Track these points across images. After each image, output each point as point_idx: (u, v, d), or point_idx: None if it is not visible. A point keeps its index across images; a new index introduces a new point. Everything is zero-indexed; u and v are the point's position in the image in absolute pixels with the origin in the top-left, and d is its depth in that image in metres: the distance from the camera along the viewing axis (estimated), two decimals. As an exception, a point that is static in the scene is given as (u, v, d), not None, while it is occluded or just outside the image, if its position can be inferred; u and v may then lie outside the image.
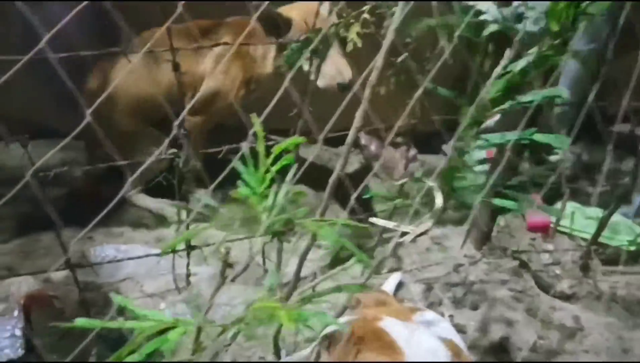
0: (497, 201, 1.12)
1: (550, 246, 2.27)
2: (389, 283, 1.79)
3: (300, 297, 0.80)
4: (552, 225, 2.36)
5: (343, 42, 1.80)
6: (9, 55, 0.93)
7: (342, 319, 1.04)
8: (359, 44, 1.17)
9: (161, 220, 2.11)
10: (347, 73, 2.02)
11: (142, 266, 1.82)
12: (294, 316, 0.65)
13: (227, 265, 0.75)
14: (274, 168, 0.79)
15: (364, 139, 2.67)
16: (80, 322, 0.68)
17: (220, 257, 0.74)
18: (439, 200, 1.04)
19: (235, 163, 0.81)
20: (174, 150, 1.47)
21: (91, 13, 2.15)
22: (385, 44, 0.95)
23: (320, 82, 1.89)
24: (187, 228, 1.65)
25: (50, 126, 2.21)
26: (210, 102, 2.05)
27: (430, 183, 1.07)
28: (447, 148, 2.58)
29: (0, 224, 1.91)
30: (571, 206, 2.42)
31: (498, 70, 1.04)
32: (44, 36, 0.87)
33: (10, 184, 2.17)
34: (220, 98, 2.07)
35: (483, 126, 3.00)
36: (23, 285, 1.70)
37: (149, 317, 0.71)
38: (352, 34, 1.17)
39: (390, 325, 0.89)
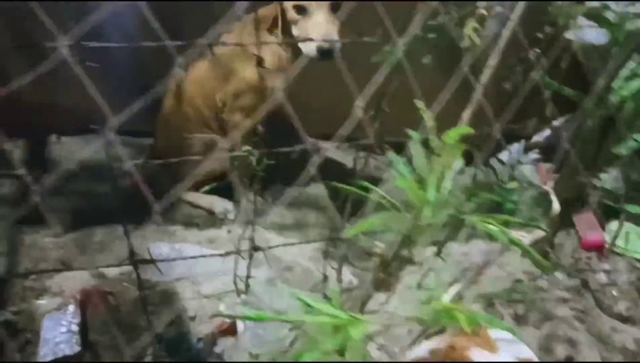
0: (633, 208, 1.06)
1: (606, 266, 2.20)
2: (450, 294, 1.73)
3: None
4: (606, 245, 2.29)
5: (334, 6, 1.71)
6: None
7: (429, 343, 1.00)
8: (477, 41, 1.12)
9: (212, 221, 2.08)
10: (329, 34, 1.70)
11: (195, 266, 1.78)
12: (471, 319, 0.60)
13: (385, 263, 0.70)
14: (445, 160, 0.74)
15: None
16: (264, 315, 0.64)
17: (375, 256, 0.70)
18: (555, 205, 0.99)
19: (391, 154, 0.76)
20: (248, 147, 1.44)
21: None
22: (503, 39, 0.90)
23: (303, 48, 1.76)
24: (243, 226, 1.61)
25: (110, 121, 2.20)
26: (239, 97, 1.99)
27: (547, 187, 1.02)
28: (508, 158, 2.52)
29: (54, 217, 1.88)
30: (626, 226, 2.35)
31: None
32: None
33: (64, 177, 2.14)
34: (247, 91, 1.98)
35: (533, 140, 2.94)
36: (78, 280, 1.67)
37: (324, 311, 0.67)
38: (468, 30, 1.13)
39: (478, 357, 0.85)
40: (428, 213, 0.75)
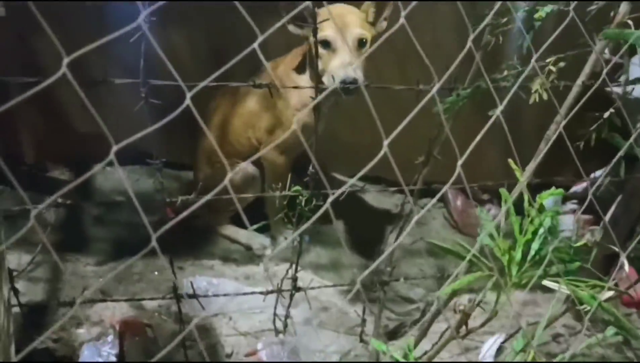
0: None
1: (647, 323, 2.15)
2: (489, 346, 1.71)
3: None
4: (647, 300, 2.24)
5: (361, 42, 1.72)
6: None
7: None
8: (544, 97, 1.13)
9: (250, 256, 2.08)
10: (352, 70, 1.68)
11: (232, 302, 1.78)
12: None
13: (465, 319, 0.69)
14: (539, 221, 0.74)
15: (450, 194, 2.62)
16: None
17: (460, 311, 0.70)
18: (626, 267, 0.97)
19: (481, 212, 0.77)
20: (298, 187, 1.45)
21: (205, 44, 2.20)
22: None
23: (325, 79, 1.76)
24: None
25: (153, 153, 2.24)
26: (273, 133, 2.01)
27: (617, 249, 1.01)
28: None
29: (96, 247, 1.91)
30: (668, 281, 2.29)
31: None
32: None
33: (107, 206, 2.18)
34: (279, 128, 1.98)
35: (571, 191, 2.91)
36: (117, 311, 1.68)
37: None
38: (536, 86, 1.13)
39: None
40: (514, 273, 0.75)
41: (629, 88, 2.17)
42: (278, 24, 0.69)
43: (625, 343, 1.92)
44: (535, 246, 0.76)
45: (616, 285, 2.24)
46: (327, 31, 1.72)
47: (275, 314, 1.62)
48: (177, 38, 2.17)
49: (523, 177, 1.03)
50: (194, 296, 1.67)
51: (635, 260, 2.34)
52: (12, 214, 2.06)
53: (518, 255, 0.75)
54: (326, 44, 1.74)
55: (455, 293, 1.02)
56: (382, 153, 0.64)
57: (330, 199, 0.68)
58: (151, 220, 2.02)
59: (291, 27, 1.76)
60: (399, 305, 2.05)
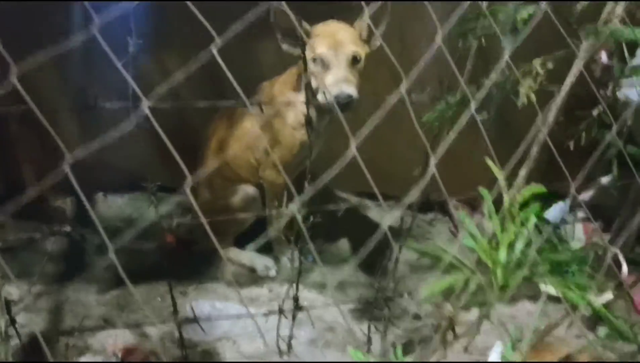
0: None
1: (662, 331, 2.09)
2: (495, 355, 1.66)
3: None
4: (662, 308, 2.19)
5: (354, 60, 1.72)
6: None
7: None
8: (533, 99, 1.12)
9: (254, 279, 2.06)
10: (348, 87, 1.71)
11: (237, 326, 1.76)
12: None
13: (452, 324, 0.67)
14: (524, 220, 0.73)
15: (453, 207, 2.59)
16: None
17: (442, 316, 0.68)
18: (624, 268, 0.95)
19: (459, 213, 0.75)
20: (293, 205, 1.43)
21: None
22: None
23: (320, 97, 1.77)
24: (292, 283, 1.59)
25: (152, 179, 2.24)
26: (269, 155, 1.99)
27: (614, 249, 0.99)
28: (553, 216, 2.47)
29: (97, 274, 1.90)
30: (681, 287, 2.24)
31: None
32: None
33: (108, 234, 2.17)
34: (277, 148, 1.97)
35: (579, 199, 2.88)
36: (119, 338, 1.66)
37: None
38: (525, 88, 1.12)
39: None
40: (500, 275, 0.72)
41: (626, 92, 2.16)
42: (237, 26, 0.69)
43: None
44: (519, 246, 0.74)
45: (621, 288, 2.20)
46: (321, 49, 1.72)
47: (278, 335, 1.59)
48: (168, 61, 2.18)
49: (518, 181, 1.01)
50: (194, 320, 1.65)
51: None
52: (13, 246, 2.08)
53: (502, 255, 0.73)
54: (320, 61, 1.74)
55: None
56: (348, 158, 0.63)
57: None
58: (152, 246, 2.00)
59: (285, 46, 1.77)
60: (407, 322, 2.01)
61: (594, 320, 1.96)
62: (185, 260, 2.01)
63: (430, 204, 2.60)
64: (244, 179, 2.03)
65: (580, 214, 2.76)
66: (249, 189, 2.03)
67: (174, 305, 1.47)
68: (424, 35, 2.11)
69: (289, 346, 1.63)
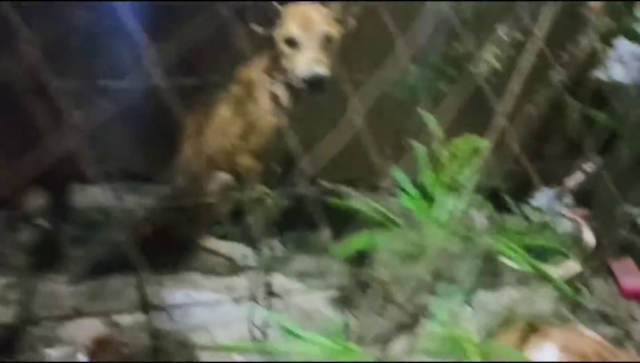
0: None
1: (650, 315, 2.06)
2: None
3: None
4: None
5: (327, 40, 1.69)
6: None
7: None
8: (497, 66, 1.08)
9: (232, 268, 2.02)
10: (319, 67, 1.68)
11: (213, 315, 1.72)
12: (484, 351, 0.54)
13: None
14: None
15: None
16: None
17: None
18: (589, 237, 0.91)
19: (395, 171, 0.72)
20: (267, 190, 1.41)
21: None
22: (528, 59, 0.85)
23: (293, 79, 1.75)
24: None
25: (133, 170, 2.21)
26: (246, 139, 1.96)
27: (578, 218, 0.95)
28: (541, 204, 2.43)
29: (71, 265, 1.86)
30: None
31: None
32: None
33: (87, 225, 2.14)
34: (253, 134, 1.95)
35: (564, 185, 2.85)
36: (90, 329, 1.62)
37: (310, 340, 0.62)
38: (489, 56, 1.08)
39: None
40: (434, 232, 0.69)
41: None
42: None
43: (626, 337, 1.84)
44: (455, 202, 0.70)
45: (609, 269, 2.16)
46: (292, 29, 1.68)
47: (251, 323, 1.56)
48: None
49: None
50: (163, 309, 1.62)
51: (632, 250, 2.28)
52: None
53: (439, 213, 0.69)
54: (292, 42, 1.71)
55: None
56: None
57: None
58: (129, 236, 1.95)
59: (255, 27, 1.73)
60: (387, 309, 1.98)
61: (577, 304, 1.93)
62: (162, 249, 1.97)
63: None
64: (221, 166, 2.00)
65: (568, 201, 2.73)
66: (225, 178, 1.99)
67: (143, 294, 1.43)
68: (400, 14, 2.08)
69: (264, 333, 1.59)
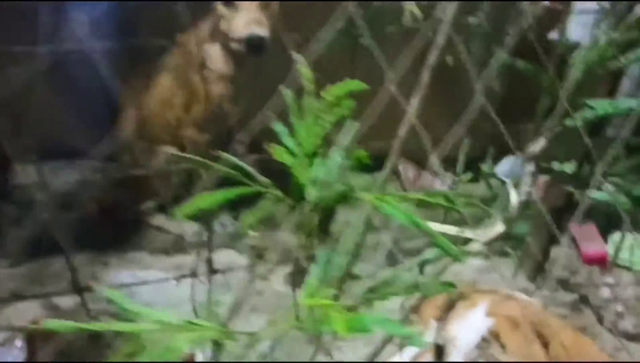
0: (600, 195, 0.94)
1: (609, 280, 2.04)
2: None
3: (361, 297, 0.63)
4: (609, 258, 2.13)
5: (265, 3, 1.63)
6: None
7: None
8: (417, 13, 1.01)
9: (181, 246, 1.96)
10: (259, 28, 1.64)
11: (160, 295, 1.66)
12: (352, 322, 0.48)
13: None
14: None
15: (400, 166, 2.50)
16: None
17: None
18: (514, 198, 0.86)
19: (274, 123, 0.65)
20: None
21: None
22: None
23: (233, 44, 1.71)
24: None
25: (70, 146, 2.11)
26: (190, 110, 1.87)
27: (505, 179, 0.90)
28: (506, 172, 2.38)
29: (10, 247, 1.78)
30: (630, 237, 2.19)
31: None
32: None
33: (26, 204, 2.05)
34: (196, 104, 1.88)
35: (528, 151, 2.81)
36: (28, 313, 1.55)
37: (148, 317, 0.56)
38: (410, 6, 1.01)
39: None
40: (310, 191, 0.63)
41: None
42: None
43: (582, 301, 1.82)
44: (335, 156, 0.64)
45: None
46: None
47: (193, 300, 1.50)
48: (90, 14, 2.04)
49: (410, 109, 0.92)
50: (95, 289, 1.54)
51: (594, 212, 2.24)
52: None
53: (316, 172, 0.64)
54: (230, 4, 1.63)
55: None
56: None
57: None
58: (73, 216, 1.87)
59: None
60: (345, 283, 1.93)
61: (537, 270, 1.90)
62: (108, 228, 1.90)
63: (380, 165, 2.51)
64: (165, 140, 1.92)
65: (531, 168, 2.69)
66: (169, 151, 1.91)
67: (74, 276, 1.36)
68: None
69: (209, 313, 1.53)
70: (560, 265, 2.01)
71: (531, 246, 1.81)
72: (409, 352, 1.23)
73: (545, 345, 0.83)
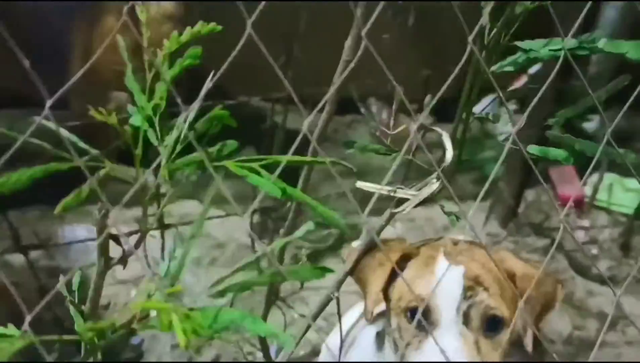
0: (537, 150, 0.86)
1: (585, 223, 1.99)
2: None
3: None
4: (587, 199, 2.08)
5: None
6: None
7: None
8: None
9: (142, 197, 1.88)
10: None
11: (117, 249, 1.60)
12: (194, 322, 0.42)
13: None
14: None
15: (374, 107, 2.41)
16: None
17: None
18: (448, 153, 0.79)
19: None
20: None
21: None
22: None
23: None
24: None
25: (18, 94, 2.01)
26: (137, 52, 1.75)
27: (439, 130, 0.82)
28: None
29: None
30: (609, 177, 2.13)
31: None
32: None
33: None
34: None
35: (509, 89, 2.71)
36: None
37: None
38: None
39: None
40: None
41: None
42: None
43: (556, 247, 1.76)
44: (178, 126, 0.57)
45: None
46: None
47: (145, 256, 1.44)
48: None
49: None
50: (40, 247, 1.50)
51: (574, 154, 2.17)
52: None
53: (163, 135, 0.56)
54: None
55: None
56: None
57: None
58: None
59: None
60: (312, 231, 1.88)
61: (509, 215, 1.85)
62: (63, 180, 1.82)
63: (349, 106, 2.42)
64: (117, 85, 1.81)
65: (513, 107, 2.61)
66: (121, 96, 1.81)
67: (14, 233, 1.30)
68: None
69: (166, 268, 1.48)
70: (535, 210, 1.96)
71: (503, 190, 1.74)
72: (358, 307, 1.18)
73: (511, 278, 0.79)
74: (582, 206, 2.07)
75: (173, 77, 0.54)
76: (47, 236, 1.65)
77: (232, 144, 0.56)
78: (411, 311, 0.79)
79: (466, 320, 0.78)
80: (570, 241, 1.88)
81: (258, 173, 0.54)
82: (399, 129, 1.04)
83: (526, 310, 0.77)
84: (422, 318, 0.69)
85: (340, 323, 0.91)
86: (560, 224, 1.68)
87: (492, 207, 1.86)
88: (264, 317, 1.23)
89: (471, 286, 0.78)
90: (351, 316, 1.18)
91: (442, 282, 0.75)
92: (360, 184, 0.78)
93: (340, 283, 0.82)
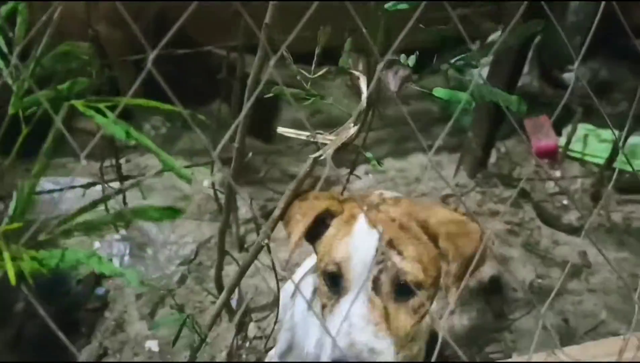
0: (442, 93, 0.85)
1: (557, 173, 1.99)
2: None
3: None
4: (560, 149, 2.07)
5: None
6: None
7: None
8: None
9: (109, 150, 1.87)
10: None
11: (83, 201, 1.60)
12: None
13: None
14: None
15: (350, 58, 2.37)
16: None
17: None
18: (363, 96, 0.78)
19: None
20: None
21: None
22: None
23: None
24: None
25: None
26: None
27: (357, 73, 0.82)
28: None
29: None
30: (584, 128, 2.12)
31: None
32: None
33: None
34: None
35: (489, 39, 2.65)
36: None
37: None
38: None
39: None
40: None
41: None
42: None
43: (522, 196, 1.77)
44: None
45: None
46: None
47: (106, 207, 1.44)
48: None
49: None
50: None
51: (548, 105, 2.16)
52: None
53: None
54: None
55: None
56: None
57: None
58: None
59: None
60: (285, 184, 1.88)
61: (477, 166, 1.84)
62: (31, 132, 1.81)
63: (325, 57, 2.38)
64: (79, 38, 1.78)
65: (485, 59, 2.56)
66: (83, 46, 1.78)
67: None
68: None
69: (128, 220, 1.48)
70: (507, 161, 1.95)
71: (472, 140, 1.73)
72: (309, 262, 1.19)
73: (434, 238, 0.78)
74: (555, 156, 2.07)
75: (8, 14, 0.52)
76: (11, 188, 1.65)
77: (82, 81, 0.55)
78: (328, 275, 0.79)
79: (376, 285, 0.76)
80: (539, 192, 1.89)
81: (104, 115, 0.53)
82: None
83: (451, 268, 0.76)
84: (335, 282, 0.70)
85: (275, 272, 0.92)
86: (531, 175, 1.68)
87: (461, 158, 1.85)
88: (219, 266, 1.24)
89: (384, 251, 0.76)
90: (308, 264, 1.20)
91: (357, 246, 0.75)
92: (281, 130, 0.78)
93: (271, 229, 0.83)
